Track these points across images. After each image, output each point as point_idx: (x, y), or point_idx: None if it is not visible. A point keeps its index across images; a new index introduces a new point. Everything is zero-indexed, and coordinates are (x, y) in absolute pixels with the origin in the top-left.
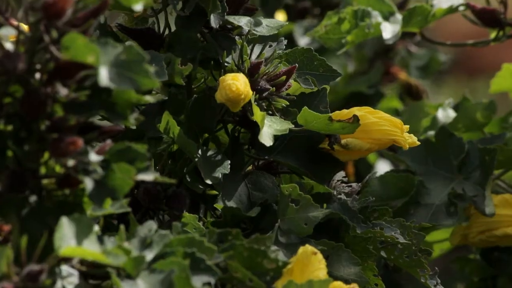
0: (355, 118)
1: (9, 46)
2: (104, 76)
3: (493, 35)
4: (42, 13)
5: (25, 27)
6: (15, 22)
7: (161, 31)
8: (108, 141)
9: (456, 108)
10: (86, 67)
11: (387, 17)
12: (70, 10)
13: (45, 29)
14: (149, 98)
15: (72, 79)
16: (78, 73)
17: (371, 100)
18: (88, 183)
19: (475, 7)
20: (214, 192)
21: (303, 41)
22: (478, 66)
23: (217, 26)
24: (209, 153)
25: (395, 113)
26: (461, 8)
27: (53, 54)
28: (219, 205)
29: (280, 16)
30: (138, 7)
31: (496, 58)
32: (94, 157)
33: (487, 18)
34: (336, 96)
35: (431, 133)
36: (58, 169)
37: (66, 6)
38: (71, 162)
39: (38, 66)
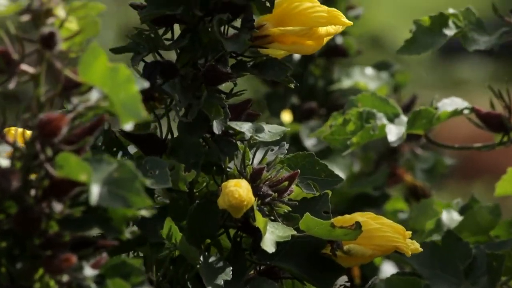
0: (357, 225)
1: (4, 162)
2: (95, 194)
3: (498, 139)
4: (38, 131)
5: (20, 143)
6: (11, 139)
7: (163, 137)
8: (104, 255)
9: (463, 209)
10: (80, 184)
11: (392, 119)
12: (65, 128)
13: (41, 147)
14: (145, 213)
15: (67, 195)
16: (72, 190)
17: (377, 202)
18: None
19: (480, 111)
20: None
21: (309, 142)
22: (477, 169)
23: (220, 132)
24: (211, 259)
25: (401, 214)
26: (466, 111)
27: (48, 171)
28: None
29: (286, 117)
30: (128, 127)
31: (496, 161)
32: (89, 271)
33: (492, 122)
34: (341, 198)
35: (436, 235)
36: (52, 284)
37: (62, 124)
38: (65, 278)
39: (33, 183)
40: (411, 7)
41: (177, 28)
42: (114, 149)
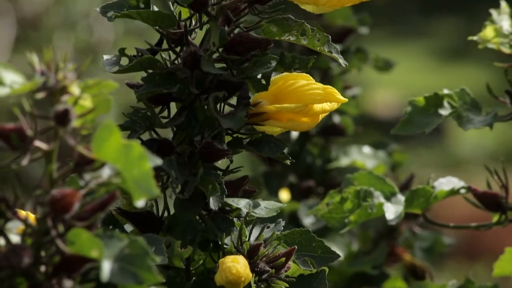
0: None
1: (15, 239)
2: (106, 271)
3: (495, 218)
4: (50, 207)
5: (32, 219)
6: (22, 215)
7: (160, 214)
8: None
9: None
10: (91, 260)
11: (388, 197)
12: (77, 204)
13: (52, 223)
14: None
15: (78, 272)
16: (83, 266)
17: (376, 281)
18: None
19: (477, 190)
20: None
21: (307, 220)
22: (478, 248)
23: (216, 209)
24: None
25: None
26: (463, 190)
27: (59, 247)
28: None
29: (284, 195)
30: (140, 203)
31: (497, 240)
32: None
33: (488, 202)
34: (340, 277)
35: None
36: None
37: (74, 200)
38: None
39: (44, 259)
40: (410, 87)
41: (173, 105)
42: (111, 227)
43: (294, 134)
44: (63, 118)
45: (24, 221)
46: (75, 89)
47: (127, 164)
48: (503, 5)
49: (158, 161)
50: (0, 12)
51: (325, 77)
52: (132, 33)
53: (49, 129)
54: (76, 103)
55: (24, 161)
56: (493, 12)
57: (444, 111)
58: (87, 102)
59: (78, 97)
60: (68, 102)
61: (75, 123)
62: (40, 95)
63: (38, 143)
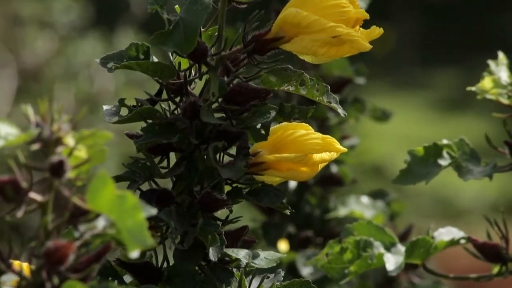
0: None
1: None
2: None
3: (496, 269)
4: (44, 259)
5: (27, 270)
6: (17, 267)
7: (159, 265)
8: None
9: None
10: None
11: (388, 248)
12: (72, 256)
13: (47, 276)
14: None
15: None
16: None
17: None
18: None
19: (477, 241)
20: None
21: (306, 271)
22: None
23: (216, 259)
24: None
25: None
26: (463, 241)
27: None
28: None
29: (283, 246)
30: (135, 254)
31: None
32: None
33: (489, 253)
34: None
35: None
36: None
37: (69, 252)
38: None
39: None
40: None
41: (172, 155)
42: (110, 278)
43: (292, 184)
44: (58, 169)
45: (19, 273)
46: (70, 140)
47: (121, 214)
48: (501, 56)
49: (153, 211)
50: (1, 64)
51: (322, 127)
52: (133, 83)
53: (44, 180)
54: (71, 154)
55: (19, 213)
56: (491, 63)
57: (444, 161)
58: (82, 152)
59: (73, 148)
60: (63, 153)
61: (70, 174)
62: (35, 147)
63: (33, 195)
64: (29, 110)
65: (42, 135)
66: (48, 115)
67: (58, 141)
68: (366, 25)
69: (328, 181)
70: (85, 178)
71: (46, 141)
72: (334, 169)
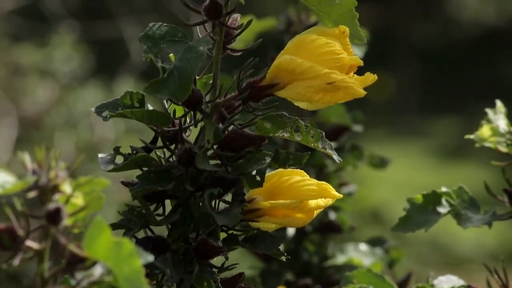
0: None
1: None
2: None
3: None
4: None
5: None
6: None
7: None
8: None
9: None
10: None
11: None
12: None
13: None
14: None
15: None
16: None
17: None
18: None
19: None
20: None
21: None
22: None
23: None
24: None
25: None
26: None
27: None
28: None
29: None
30: None
31: None
32: None
33: None
34: None
35: None
36: None
37: None
38: None
39: None
40: (409, 185)
41: (168, 202)
42: None
43: (291, 231)
44: (55, 217)
45: None
46: (66, 188)
47: (118, 261)
48: (499, 104)
49: (150, 258)
50: (2, 113)
51: (320, 174)
52: (133, 131)
53: (41, 228)
54: (68, 201)
55: (16, 261)
56: (489, 111)
57: (443, 209)
58: (79, 200)
59: (69, 195)
60: (60, 201)
61: (66, 221)
62: (32, 194)
63: (29, 243)
64: (26, 157)
65: (39, 183)
66: (45, 163)
67: (55, 189)
68: (364, 73)
69: (326, 228)
70: (82, 225)
71: (43, 188)
72: (332, 216)
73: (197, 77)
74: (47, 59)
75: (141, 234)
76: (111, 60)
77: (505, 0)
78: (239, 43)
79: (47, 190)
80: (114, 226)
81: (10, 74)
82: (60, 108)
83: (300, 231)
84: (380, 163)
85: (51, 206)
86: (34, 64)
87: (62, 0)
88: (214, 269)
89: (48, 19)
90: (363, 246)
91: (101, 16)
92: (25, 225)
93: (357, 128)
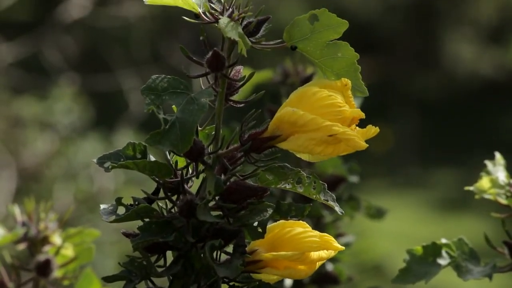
0: None
1: None
2: None
3: None
4: None
5: None
6: None
7: None
8: None
9: None
10: None
11: None
12: None
13: None
14: None
15: None
16: None
17: None
18: None
19: None
20: None
21: None
22: None
23: None
24: None
25: None
26: None
27: None
28: None
29: None
30: None
31: None
32: None
33: None
34: None
35: None
36: None
37: None
38: None
39: None
40: (409, 236)
41: (169, 253)
42: None
43: (288, 282)
44: (45, 269)
45: None
46: (56, 239)
47: None
48: (498, 156)
49: None
50: (1, 165)
51: (318, 225)
52: (133, 182)
53: (32, 280)
54: (58, 253)
55: None
56: (488, 163)
57: (443, 261)
58: (69, 251)
59: (59, 246)
60: (50, 252)
61: (56, 273)
62: (21, 246)
63: None
64: (16, 209)
65: (29, 234)
66: (35, 214)
67: (45, 240)
68: (364, 125)
69: (324, 279)
70: (72, 277)
71: (33, 240)
72: (329, 267)
73: (199, 128)
74: (47, 111)
75: (142, 286)
76: (111, 112)
77: (500, 53)
78: (237, 95)
79: (37, 242)
80: (115, 278)
81: (11, 126)
82: (59, 159)
83: (298, 282)
84: (377, 214)
85: (41, 257)
86: (35, 116)
87: (62, 53)
88: None
89: (48, 71)
90: None
91: (100, 68)
92: (15, 278)
93: (353, 178)
